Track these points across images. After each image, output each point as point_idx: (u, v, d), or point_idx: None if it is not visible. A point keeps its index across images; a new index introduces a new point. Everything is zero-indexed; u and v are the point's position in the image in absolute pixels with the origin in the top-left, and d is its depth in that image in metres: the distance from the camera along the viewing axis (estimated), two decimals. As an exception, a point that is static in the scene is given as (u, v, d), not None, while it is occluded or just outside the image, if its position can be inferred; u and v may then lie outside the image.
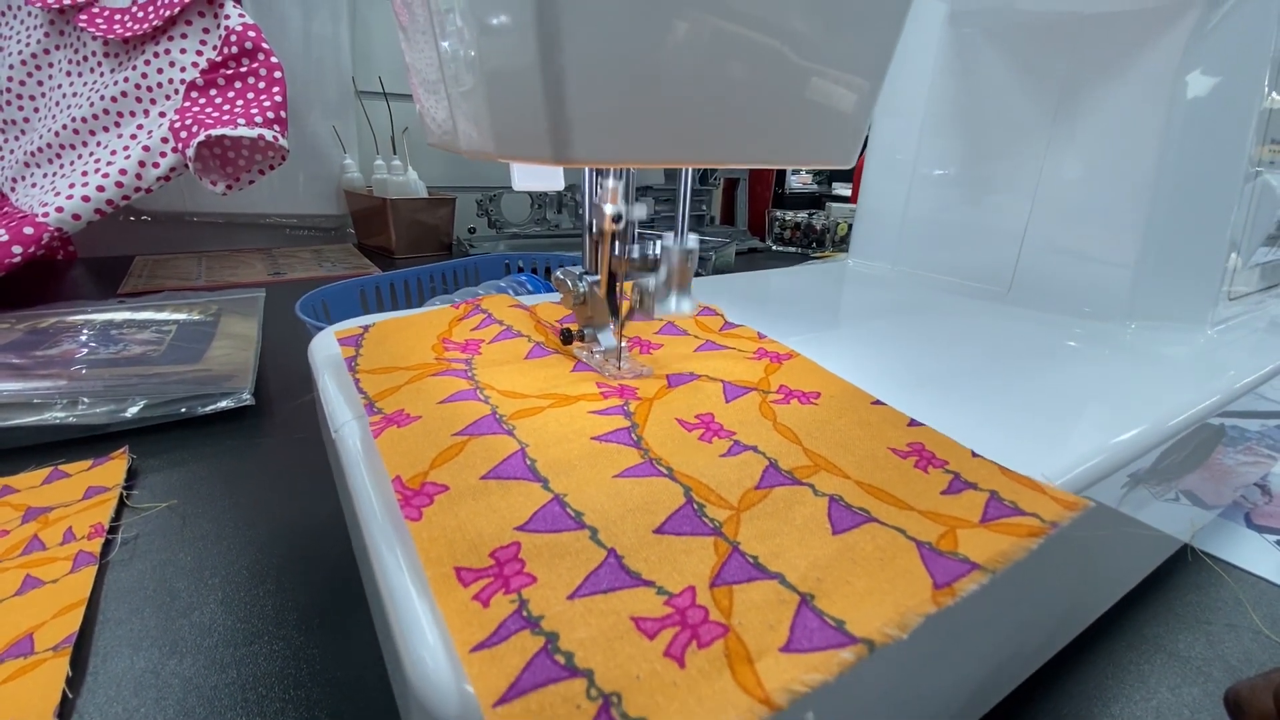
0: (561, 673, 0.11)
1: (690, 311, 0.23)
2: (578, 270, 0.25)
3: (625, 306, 0.24)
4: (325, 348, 0.27)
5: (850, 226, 0.50)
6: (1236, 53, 0.33)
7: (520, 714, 0.11)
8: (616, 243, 0.23)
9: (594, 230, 0.23)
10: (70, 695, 0.22)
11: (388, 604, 0.14)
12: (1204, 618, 0.29)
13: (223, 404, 0.42)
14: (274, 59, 0.74)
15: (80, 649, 0.24)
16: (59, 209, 0.66)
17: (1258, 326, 0.37)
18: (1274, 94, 0.34)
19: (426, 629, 0.13)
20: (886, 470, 0.18)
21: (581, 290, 0.25)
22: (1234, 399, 0.28)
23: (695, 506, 0.16)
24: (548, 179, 0.31)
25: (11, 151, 0.79)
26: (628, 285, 0.24)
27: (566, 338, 0.26)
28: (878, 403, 0.22)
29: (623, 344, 0.25)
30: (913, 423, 0.21)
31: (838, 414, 0.21)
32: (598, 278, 0.24)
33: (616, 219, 0.21)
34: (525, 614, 0.13)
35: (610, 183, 0.21)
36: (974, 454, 0.19)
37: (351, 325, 0.28)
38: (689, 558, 0.14)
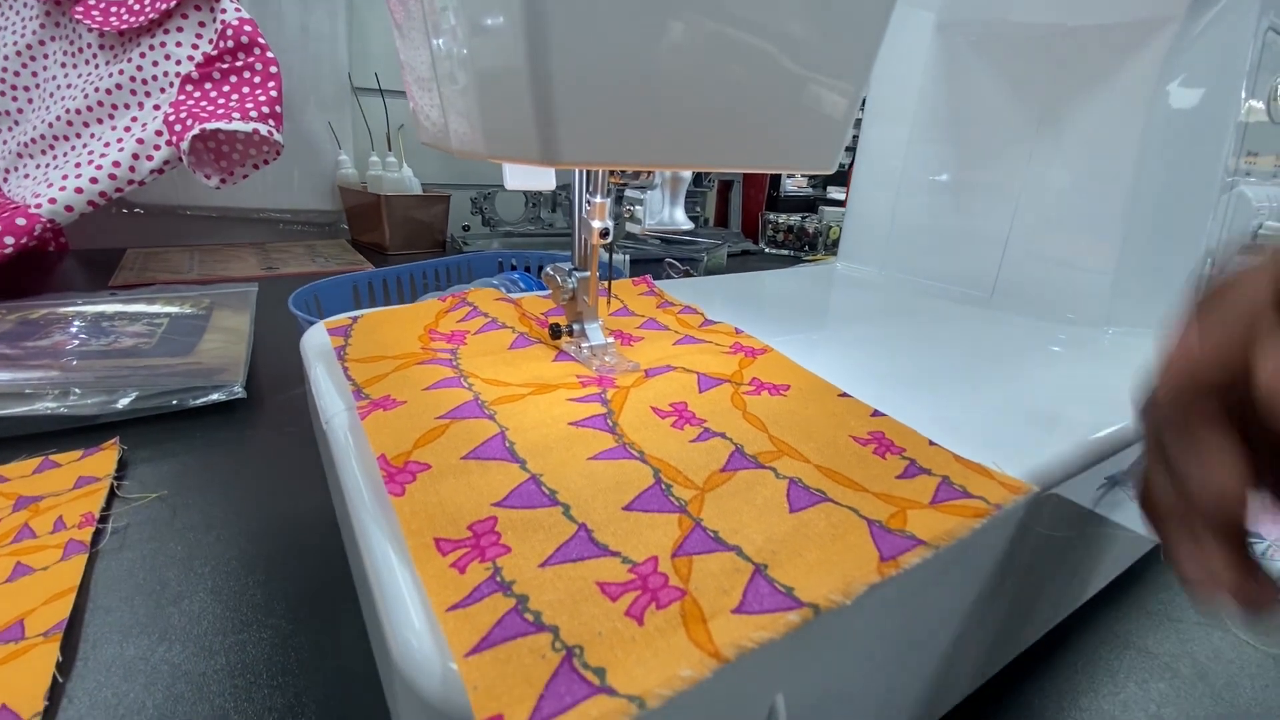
0: (529, 628, 0.12)
1: (681, 220, 0.24)
2: (567, 267, 0.26)
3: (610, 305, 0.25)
4: (317, 341, 0.27)
5: (842, 230, 0.51)
6: (1215, 65, 0.34)
7: (489, 662, 0.11)
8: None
9: (583, 239, 0.23)
10: (60, 680, 0.22)
11: (370, 574, 0.15)
12: (1174, 615, 0.29)
13: (214, 397, 0.42)
14: (270, 54, 0.74)
15: (71, 635, 0.24)
16: (51, 200, 0.66)
17: (1233, 333, 0.37)
18: (1251, 104, 0.35)
19: (406, 595, 0.14)
20: (846, 456, 0.19)
21: (571, 286, 0.25)
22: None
23: (663, 486, 0.17)
24: (540, 178, 0.32)
25: (4, 142, 0.79)
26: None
27: (555, 333, 0.26)
28: (844, 395, 0.23)
29: (610, 340, 0.26)
30: (876, 413, 0.22)
31: (804, 404, 0.22)
32: (587, 274, 0.25)
33: (604, 234, 0.22)
34: (499, 579, 0.13)
35: (598, 199, 0.21)
36: (931, 442, 0.20)
37: (341, 318, 0.28)
38: (654, 531, 0.15)
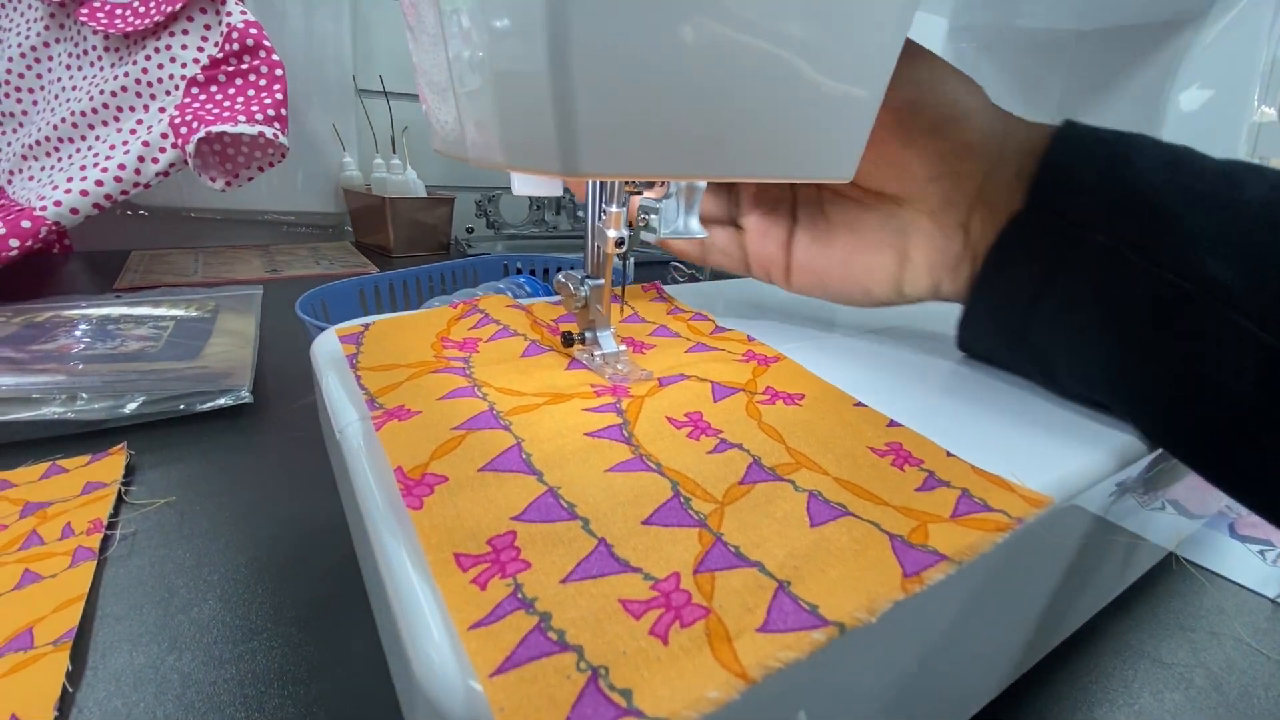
0: (553, 647, 0.12)
1: (697, 230, 0.24)
2: (579, 274, 0.26)
3: (622, 311, 0.25)
4: (328, 347, 0.27)
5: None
6: (1227, 69, 0.34)
7: (515, 683, 0.11)
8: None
9: (596, 247, 0.23)
10: (70, 689, 0.22)
11: (389, 589, 0.14)
12: (1187, 625, 0.29)
13: (221, 401, 0.42)
14: (275, 56, 0.74)
15: (80, 644, 0.24)
16: (57, 203, 0.66)
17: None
18: (1264, 109, 0.35)
19: (427, 611, 0.13)
20: (864, 468, 0.19)
21: (583, 294, 0.25)
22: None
23: (682, 500, 0.17)
24: (546, 184, 0.32)
25: (9, 144, 0.79)
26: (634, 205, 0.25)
27: (568, 340, 0.26)
28: (859, 404, 0.23)
29: (622, 348, 0.26)
30: (892, 423, 0.22)
31: (820, 415, 0.22)
32: (600, 282, 0.25)
33: (619, 243, 0.22)
34: (520, 596, 0.13)
35: (614, 209, 0.21)
36: (949, 454, 0.20)
37: (352, 324, 0.28)
38: (674, 547, 0.15)
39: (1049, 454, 0.22)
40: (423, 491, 0.17)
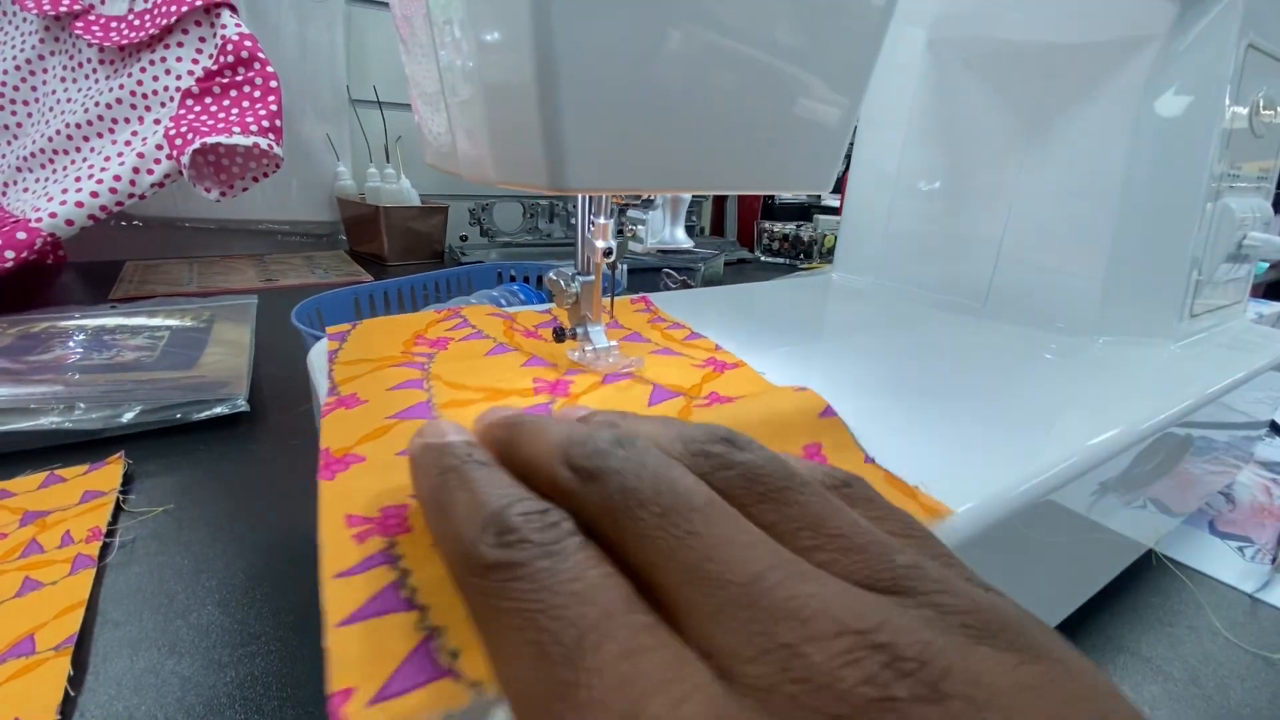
0: (401, 605, 0.13)
1: (682, 239, 0.24)
2: (570, 272, 0.26)
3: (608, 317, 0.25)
4: (323, 354, 0.28)
5: (837, 238, 0.52)
6: (1198, 80, 0.35)
7: (355, 636, 0.12)
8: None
9: (586, 256, 0.24)
10: (72, 693, 0.22)
11: None
12: (1166, 620, 0.30)
13: (217, 410, 0.43)
14: (270, 68, 0.75)
15: (81, 649, 0.24)
16: (52, 214, 0.66)
17: (1221, 342, 0.38)
18: (1234, 110, 0.36)
19: None
20: None
21: (574, 291, 0.26)
22: (1197, 409, 0.29)
23: None
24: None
25: (4, 157, 0.79)
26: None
27: (559, 336, 0.27)
28: (802, 389, 0.22)
29: (614, 343, 0.26)
30: (825, 413, 0.21)
31: (747, 410, 0.22)
32: (590, 278, 0.26)
33: (607, 253, 0.23)
34: (390, 553, 0.14)
35: (601, 220, 0.22)
36: (867, 459, 0.20)
37: (344, 325, 0.29)
38: None
39: (1033, 450, 0.22)
40: (338, 468, 0.17)
